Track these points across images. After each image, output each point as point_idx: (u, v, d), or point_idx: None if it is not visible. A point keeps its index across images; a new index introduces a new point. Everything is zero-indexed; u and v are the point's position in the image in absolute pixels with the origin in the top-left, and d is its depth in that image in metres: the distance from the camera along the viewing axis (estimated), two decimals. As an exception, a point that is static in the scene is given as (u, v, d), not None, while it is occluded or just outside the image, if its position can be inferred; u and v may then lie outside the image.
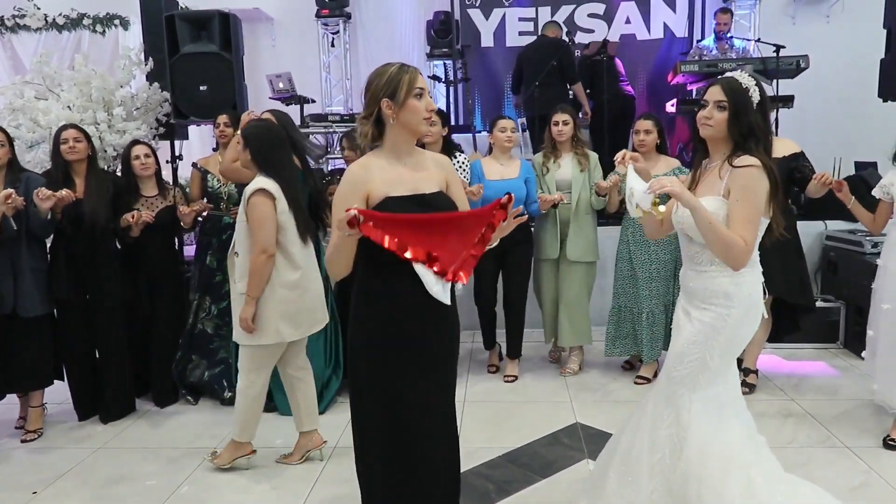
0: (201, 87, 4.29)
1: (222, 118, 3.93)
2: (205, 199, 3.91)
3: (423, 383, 2.02)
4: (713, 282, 2.13)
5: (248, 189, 2.84)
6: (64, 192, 3.22)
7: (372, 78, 1.98)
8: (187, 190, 4.12)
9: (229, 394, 3.79)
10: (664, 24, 7.20)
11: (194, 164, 4.07)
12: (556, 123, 4.02)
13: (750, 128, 2.08)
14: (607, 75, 5.70)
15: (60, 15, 6.80)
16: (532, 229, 4.19)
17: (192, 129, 5.21)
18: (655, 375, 4.01)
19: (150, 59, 4.51)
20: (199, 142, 6.02)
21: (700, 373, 2.14)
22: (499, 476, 2.94)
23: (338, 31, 7.48)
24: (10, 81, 5.21)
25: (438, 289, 1.94)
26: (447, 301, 1.97)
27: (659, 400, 2.22)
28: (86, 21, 6.87)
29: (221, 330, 3.87)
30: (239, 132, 3.10)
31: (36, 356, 3.43)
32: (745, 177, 2.04)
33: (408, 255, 1.89)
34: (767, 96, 2.17)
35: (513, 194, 1.95)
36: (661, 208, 2.03)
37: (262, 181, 2.84)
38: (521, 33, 7.23)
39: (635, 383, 4.00)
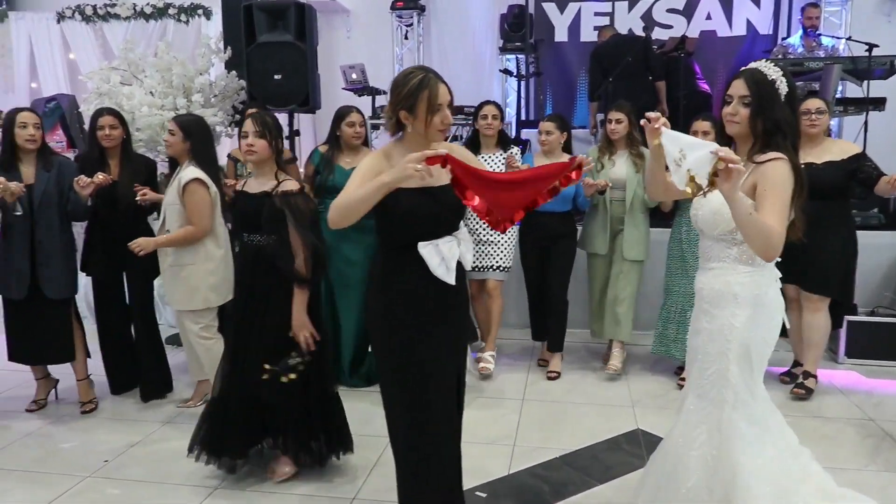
0: (276, 76, 4.38)
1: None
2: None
3: (436, 357, 2.09)
4: (718, 280, 2.06)
5: (184, 177, 3.26)
6: (100, 176, 3.31)
7: (395, 83, 2.04)
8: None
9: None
10: (747, 20, 6.91)
11: (229, 155, 4.21)
12: (611, 121, 4.00)
13: (776, 123, 1.96)
14: (684, 72, 5.52)
15: (147, 4, 7.07)
16: (577, 223, 4.19)
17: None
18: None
19: (229, 47, 4.64)
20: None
21: (723, 387, 2.03)
22: (554, 478, 2.89)
23: (412, 24, 7.50)
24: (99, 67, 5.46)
25: (442, 271, 2.05)
26: (451, 281, 2.07)
27: (689, 419, 2.11)
28: (171, 10, 7.12)
29: None
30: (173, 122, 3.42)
31: (61, 332, 3.51)
32: (772, 169, 1.93)
33: (474, 202, 2.00)
34: (797, 87, 2.02)
35: (587, 157, 2.06)
36: (705, 185, 1.73)
37: (195, 171, 3.29)
38: (596, 28, 7.07)
39: (679, 386, 3.89)
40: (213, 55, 4.55)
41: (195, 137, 3.34)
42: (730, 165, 1.69)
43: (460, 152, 2.20)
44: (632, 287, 4.06)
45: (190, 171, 3.29)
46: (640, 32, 6.07)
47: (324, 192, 3.80)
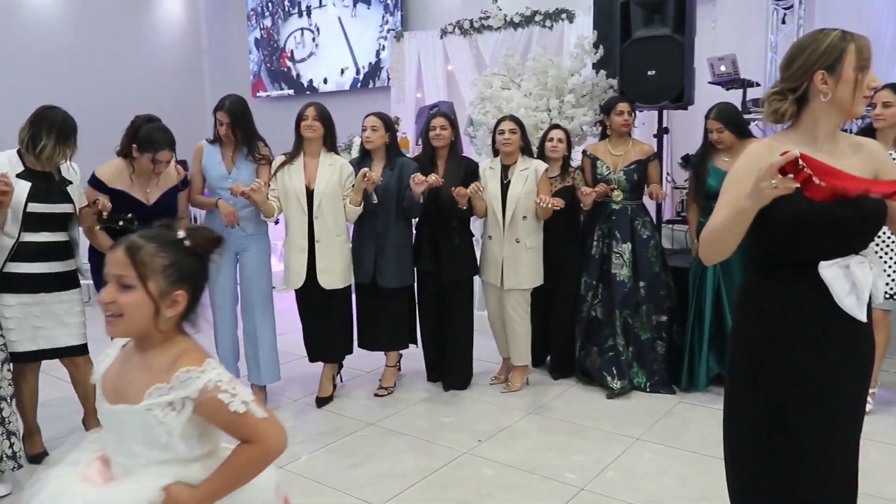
0: (649, 73, 4.23)
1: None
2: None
3: (818, 416, 1.65)
4: None
5: (540, 168, 3.76)
6: (433, 177, 3.51)
7: (805, 44, 1.64)
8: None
9: (617, 383, 3.80)
10: None
11: (584, 152, 4.14)
12: None
13: None
14: None
15: (517, 14, 7.50)
16: None
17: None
18: None
19: (601, 46, 4.63)
20: (639, 128, 6.01)
21: None
22: None
23: (791, 6, 6.68)
24: (477, 76, 5.94)
25: (851, 301, 1.59)
26: (863, 317, 1.62)
27: None
28: (537, 18, 7.45)
29: (611, 316, 3.90)
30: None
31: (394, 322, 3.82)
32: None
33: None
34: None
35: None
36: None
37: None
38: None
39: None
40: (585, 55, 4.60)
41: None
42: None
43: (857, 145, 1.74)
44: None
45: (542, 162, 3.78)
46: None
47: (703, 198, 3.72)
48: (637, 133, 5.86)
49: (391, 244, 3.70)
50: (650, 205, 4.26)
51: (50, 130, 2.87)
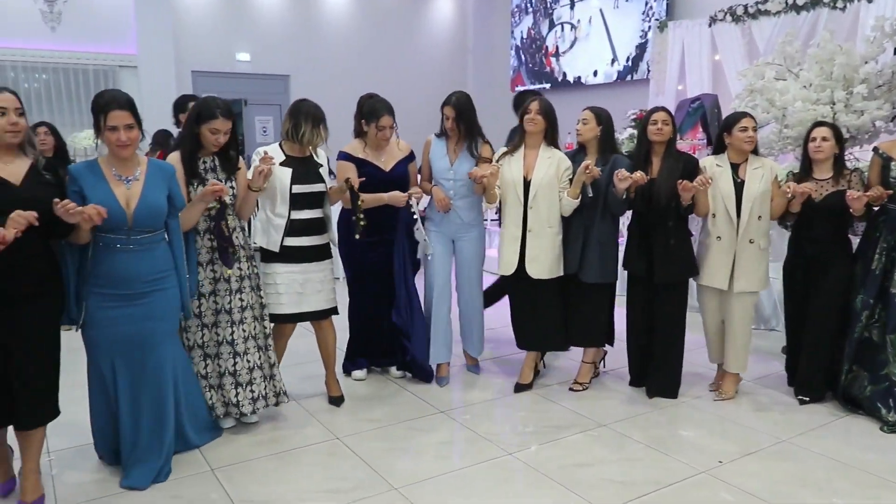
0: (972, 56, 3.52)
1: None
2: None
3: None
4: None
5: (777, 167, 3.63)
6: (638, 174, 3.37)
7: None
8: None
9: (893, 416, 3.31)
10: None
11: (875, 149, 3.57)
12: None
13: None
14: None
15: (806, -4, 6.72)
16: None
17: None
18: None
19: (909, 28, 3.97)
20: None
21: None
22: None
23: None
24: (747, 66, 5.45)
25: None
26: None
27: None
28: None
29: (885, 341, 3.39)
30: None
31: (590, 318, 3.75)
32: None
33: None
34: None
35: None
36: None
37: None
38: None
39: None
40: (885, 39, 3.97)
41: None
42: None
43: None
44: None
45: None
46: None
47: None
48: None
49: (594, 239, 3.66)
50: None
51: (307, 118, 3.39)
